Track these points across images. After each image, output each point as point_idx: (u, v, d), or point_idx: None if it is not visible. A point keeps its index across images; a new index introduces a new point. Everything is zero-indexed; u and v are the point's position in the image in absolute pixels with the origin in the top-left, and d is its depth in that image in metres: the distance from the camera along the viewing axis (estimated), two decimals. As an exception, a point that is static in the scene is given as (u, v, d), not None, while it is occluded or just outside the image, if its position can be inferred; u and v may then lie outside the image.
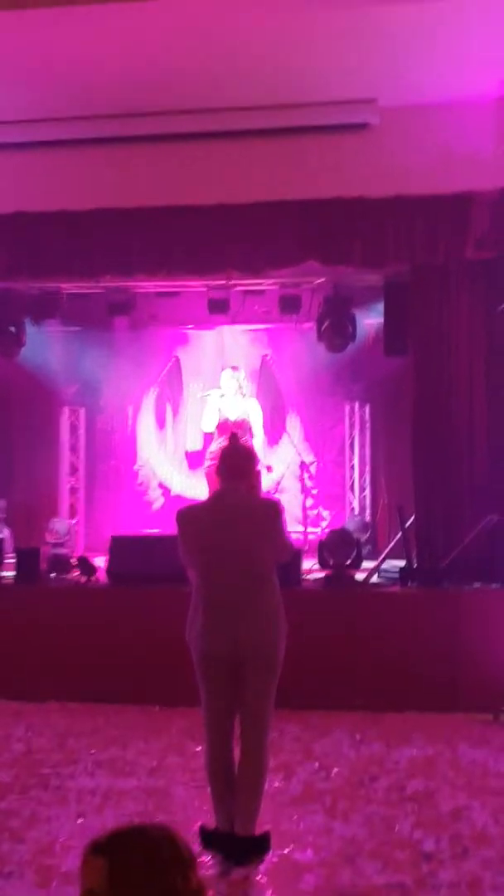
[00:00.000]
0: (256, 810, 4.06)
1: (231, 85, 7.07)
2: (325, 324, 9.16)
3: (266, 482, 9.92)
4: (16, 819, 4.57)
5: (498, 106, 7.47)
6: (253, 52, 6.63)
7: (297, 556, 7.36)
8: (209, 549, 4.14)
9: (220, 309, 9.26)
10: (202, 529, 4.20)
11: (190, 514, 4.30)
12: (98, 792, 4.99)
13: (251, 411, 8.83)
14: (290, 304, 9.32)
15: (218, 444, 8.75)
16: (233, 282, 9.03)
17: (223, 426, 8.74)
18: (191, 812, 4.66)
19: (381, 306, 8.96)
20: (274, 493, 10.31)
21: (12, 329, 9.41)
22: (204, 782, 4.90)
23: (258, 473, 4.47)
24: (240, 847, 4.00)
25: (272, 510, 4.27)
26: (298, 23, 6.33)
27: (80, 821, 4.56)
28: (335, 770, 5.33)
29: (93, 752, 5.71)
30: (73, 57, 6.73)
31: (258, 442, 8.85)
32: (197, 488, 10.09)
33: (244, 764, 4.11)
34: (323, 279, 9.08)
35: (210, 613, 4.10)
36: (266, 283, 9.25)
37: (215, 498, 4.38)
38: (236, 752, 4.16)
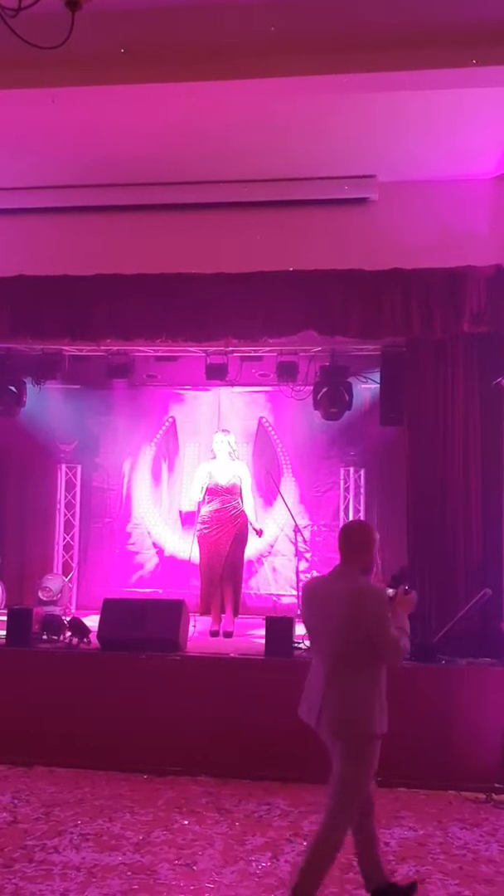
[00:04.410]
0: (315, 884, 4.11)
1: (234, 160, 7.20)
2: (322, 392, 9.20)
3: (259, 545, 9.94)
4: (-2, 896, 4.52)
5: (494, 183, 7.59)
6: (257, 130, 6.76)
7: (288, 623, 7.33)
8: (312, 626, 4.40)
9: (217, 374, 9.31)
10: (312, 604, 4.40)
11: (309, 587, 4.64)
12: (83, 867, 4.95)
13: (241, 474, 8.86)
14: (287, 371, 9.35)
15: (209, 509, 8.76)
16: (231, 348, 9.11)
17: (213, 490, 8.75)
18: (175, 893, 4.59)
19: (378, 373, 9.03)
20: (267, 556, 10.31)
21: (13, 389, 9.49)
22: (189, 860, 4.89)
23: (374, 555, 4.40)
24: None
25: (367, 601, 4.13)
26: (302, 104, 6.49)
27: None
28: (324, 850, 5.26)
29: (79, 823, 5.66)
30: (80, 129, 6.86)
31: (248, 505, 8.86)
32: (190, 550, 10.07)
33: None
34: (320, 348, 9.14)
35: (308, 684, 4.33)
36: (264, 350, 9.32)
37: (330, 575, 4.43)
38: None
